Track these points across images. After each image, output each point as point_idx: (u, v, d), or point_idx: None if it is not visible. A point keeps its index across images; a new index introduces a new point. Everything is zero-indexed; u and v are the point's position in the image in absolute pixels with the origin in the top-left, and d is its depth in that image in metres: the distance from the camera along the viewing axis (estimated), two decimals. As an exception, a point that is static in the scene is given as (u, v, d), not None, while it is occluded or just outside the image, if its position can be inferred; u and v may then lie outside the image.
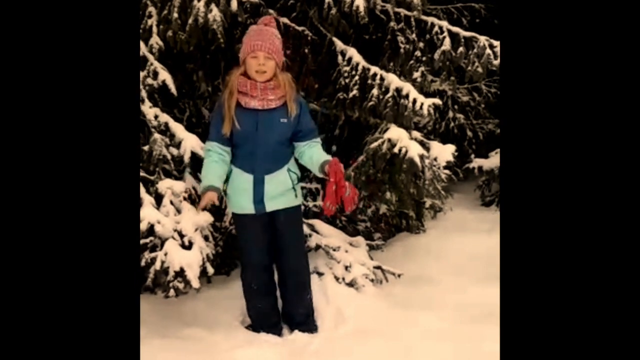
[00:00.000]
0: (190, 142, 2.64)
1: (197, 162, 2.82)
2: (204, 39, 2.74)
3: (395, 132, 2.91)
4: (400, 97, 2.91)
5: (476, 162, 4.65)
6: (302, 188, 3.34)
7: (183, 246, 2.38)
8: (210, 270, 2.44)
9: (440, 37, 3.18)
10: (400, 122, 2.96)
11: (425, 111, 2.84)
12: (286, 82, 2.40)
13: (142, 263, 2.37)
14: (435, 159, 2.99)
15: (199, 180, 2.91)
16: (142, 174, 2.54)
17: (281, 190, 2.49)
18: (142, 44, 2.69)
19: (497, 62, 3.05)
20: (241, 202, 2.49)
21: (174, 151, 2.64)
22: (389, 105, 2.91)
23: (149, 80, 2.67)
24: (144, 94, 2.62)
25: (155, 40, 2.72)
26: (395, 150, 2.87)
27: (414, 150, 2.83)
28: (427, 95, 2.97)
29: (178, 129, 2.65)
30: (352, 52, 3.09)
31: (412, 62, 3.23)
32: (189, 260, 2.34)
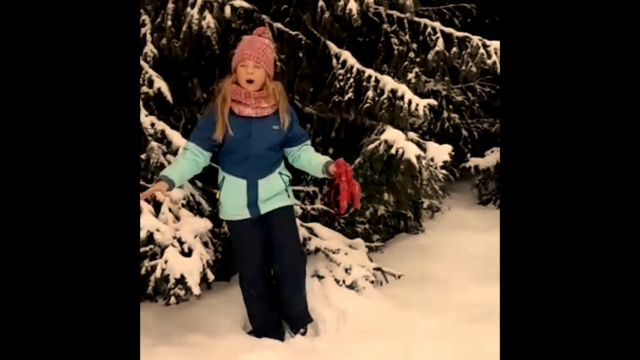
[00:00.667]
0: (187, 149, 2.63)
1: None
2: (198, 46, 2.75)
3: (391, 134, 2.92)
4: (395, 98, 2.92)
5: (472, 161, 4.67)
6: (300, 191, 3.35)
7: (183, 253, 2.38)
8: (211, 276, 2.44)
9: (434, 37, 3.20)
10: (396, 124, 2.97)
11: (420, 112, 2.85)
12: (277, 91, 2.45)
13: (143, 271, 2.37)
14: (432, 159, 3.01)
15: (196, 187, 2.92)
16: (140, 182, 2.54)
17: (274, 193, 2.53)
18: (136, 53, 2.70)
19: (490, 61, 3.07)
20: (235, 207, 2.51)
21: (171, 158, 2.64)
22: (385, 107, 2.92)
23: (145, 89, 2.67)
24: (139, 102, 2.62)
25: (149, 48, 2.73)
26: (392, 151, 2.88)
27: (411, 151, 2.84)
28: (422, 95, 2.99)
29: (174, 136, 2.66)
30: (347, 55, 3.10)
31: (406, 63, 3.25)
32: (189, 267, 2.34)
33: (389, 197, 3.22)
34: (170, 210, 2.51)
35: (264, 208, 2.53)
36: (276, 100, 2.44)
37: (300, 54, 3.09)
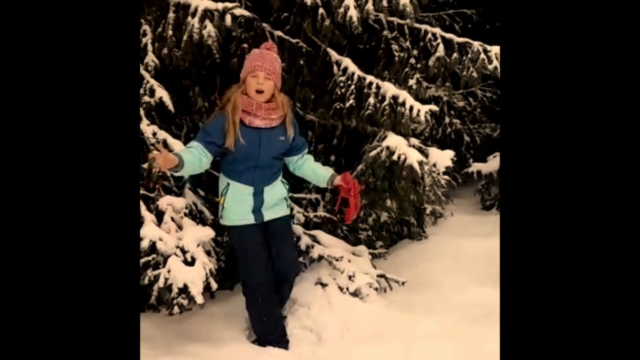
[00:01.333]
0: (189, 158, 2.63)
1: (196, 178, 2.82)
2: (199, 55, 2.75)
3: (393, 140, 2.92)
4: (396, 104, 2.92)
5: (475, 167, 4.65)
6: (302, 199, 3.36)
7: (186, 262, 2.38)
8: (214, 285, 2.43)
9: (434, 43, 3.20)
10: (398, 130, 2.96)
11: (422, 118, 2.84)
12: (285, 103, 2.58)
13: (146, 281, 2.36)
14: (434, 165, 2.99)
15: (199, 195, 2.92)
16: (142, 191, 2.54)
17: (276, 200, 2.65)
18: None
19: (491, 66, 3.06)
20: (241, 212, 2.57)
21: (173, 168, 2.63)
22: (386, 113, 2.92)
23: (146, 98, 2.68)
24: (141, 111, 2.63)
25: (150, 58, 2.73)
26: (394, 157, 2.87)
27: (413, 157, 2.84)
28: (423, 101, 2.98)
29: (176, 145, 2.65)
30: (347, 62, 3.10)
31: (407, 69, 3.25)
32: (192, 277, 2.33)
33: (392, 204, 3.21)
34: (172, 219, 2.51)
35: (267, 215, 2.63)
36: (284, 112, 2.57)
37: (301, 62, 3.09)
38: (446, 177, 3.09)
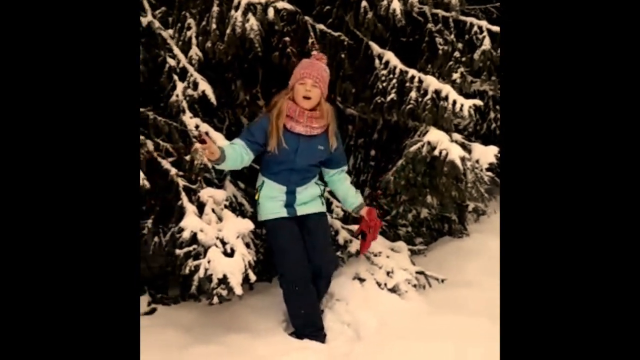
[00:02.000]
0: (230, 151, 2.67)
1: (237, 171, 2.85)
2: (242, 49, 2.77)
3: (435, 135, 2.86)
4: (439, 99, 2.86)
5: (520, 163, 4.52)
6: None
7: (225, 254, 2.41)
8: (253, 277, 2.45)
9: (480, 36, 3.12)
10: (440, 125, 2.91)
11: (465, 113, 2.79)
12: (329, 113, 2.64)
13: (186, 271, 2.41)
14: (477, 161, 2.93)
15: (239, 188, 2.96)
16: (184, 183, 2.59)
17: (309, 198, 2.73)
18: (182, 56, 2.75)
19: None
20: (274, 207, 2.67)
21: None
22: (428, 108, 2.87)
23: (189, 91, 2.71)
24: (184, 104, 2.67)
25: (194, 51, 2.76)
26: (436, 153, 2.82)
27: (455, 153, 2.78)
28: (468, 96, 2.91)
29: (218, 138, 2.69)
30: (389, 56, 3.06)
31: (451, 63, 3.17)
32: (231, 268, 2.36)
33: (432, 200, 3.16)
34: (213, 210, 2.54)
35: (300, 210, 2.70)
36: (327, 121, 2.63)
37: (343, 55, 3.07)
38: (490, 173, 3.01)
